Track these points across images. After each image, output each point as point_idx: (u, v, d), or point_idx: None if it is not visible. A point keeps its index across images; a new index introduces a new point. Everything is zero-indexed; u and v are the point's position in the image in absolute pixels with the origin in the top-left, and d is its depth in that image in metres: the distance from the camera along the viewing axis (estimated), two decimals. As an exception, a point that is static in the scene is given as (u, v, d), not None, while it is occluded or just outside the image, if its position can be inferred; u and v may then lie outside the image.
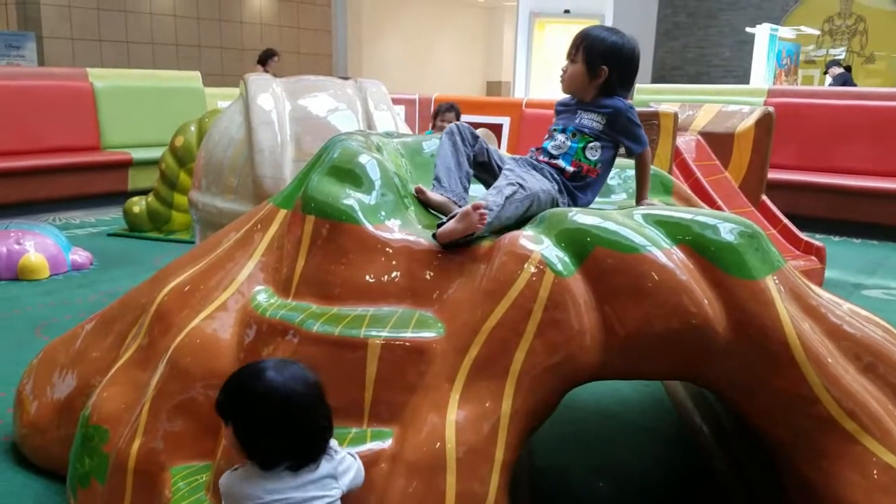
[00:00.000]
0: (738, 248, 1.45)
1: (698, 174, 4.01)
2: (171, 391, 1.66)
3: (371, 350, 1.50)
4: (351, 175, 1.78)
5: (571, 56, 2.06)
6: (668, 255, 1.46)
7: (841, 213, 6.02)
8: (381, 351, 1.50)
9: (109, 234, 5.40)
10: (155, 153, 6.08)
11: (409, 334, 1.52)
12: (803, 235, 4.38)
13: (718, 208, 3.62)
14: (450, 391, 1.46)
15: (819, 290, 1.49)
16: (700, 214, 1.54)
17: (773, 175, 5.40)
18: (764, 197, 4.60)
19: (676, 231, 1.50)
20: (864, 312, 1.50)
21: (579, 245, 1.51)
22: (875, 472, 1.35)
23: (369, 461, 1.43)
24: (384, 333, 1.51)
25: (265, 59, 9.46)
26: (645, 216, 1.55)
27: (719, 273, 1.44)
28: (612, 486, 2.14)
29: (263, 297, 1.71)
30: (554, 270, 1.47)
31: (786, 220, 4.46)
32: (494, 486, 1.39)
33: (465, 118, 7.60)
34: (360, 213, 1.70)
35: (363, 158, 1.82)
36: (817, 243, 4.27)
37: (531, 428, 1.48)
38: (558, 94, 2.18)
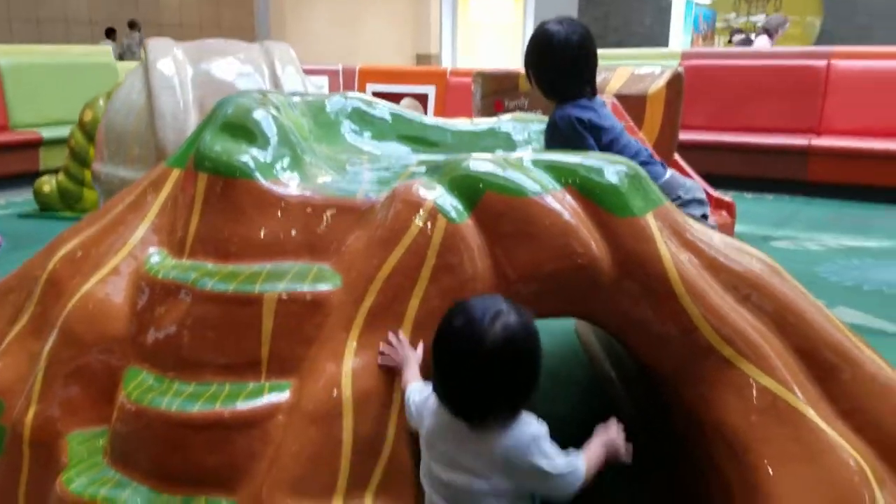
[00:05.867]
0: (621, 188, 1.49)
1: (613, 134, 4.06)
2: (64, 358, 1.62)
3: (267, 305, 1.49)
4: (245, 131, 1.75)
5: None
6: (556, 198, 1.49)
7: (753, 170, 6.21)
8: (277, 305, 1.49)
9: (20, 216, 5.23)
10: (66, 131, 5.86)
11: (305, 287, 1.51)
12: (714, 192, 4.50)
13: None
14: (346, 340, 1.46)
15: (694, 224, 1.54)
16: (587, 158, 1.57)
17: (687, 136, 5.54)
18: (677, 156, 4.70)
19: (564, 174, 1.53)
20: (737, 243, 1.55)
21: (471, 191, 1.52)
22: (753, 393, 1.41)
23: (266, 414, 1.43)
24: (279, 287, 1.50)
25: None
26: (534, 161, 1.57)
27: (604, 213, 1.48)
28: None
29: (157, 258, 1.68)
30: (447, 217, 1.49)
31: (697, 177, 4.57)
32: (393, 428, 1.41)
33: (391, 87, 7.55)
34: (254, 169, 1.68)
35: (258, 114, 1.79)
36: (727, 199, 4.39)
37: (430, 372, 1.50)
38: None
